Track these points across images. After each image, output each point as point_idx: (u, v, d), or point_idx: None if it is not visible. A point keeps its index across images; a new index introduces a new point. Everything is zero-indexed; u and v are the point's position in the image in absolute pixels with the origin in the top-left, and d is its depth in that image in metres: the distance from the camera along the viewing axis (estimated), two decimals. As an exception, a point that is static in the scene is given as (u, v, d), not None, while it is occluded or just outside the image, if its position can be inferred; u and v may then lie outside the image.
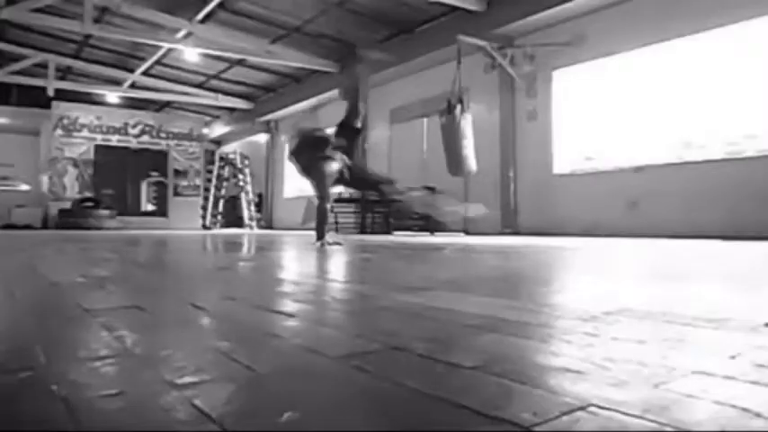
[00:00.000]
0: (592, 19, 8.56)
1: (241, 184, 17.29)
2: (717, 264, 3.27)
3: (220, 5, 10.75)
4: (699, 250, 4.48)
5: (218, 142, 19.94)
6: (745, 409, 0.61)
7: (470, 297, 1.59)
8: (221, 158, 17.76)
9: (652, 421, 0.57)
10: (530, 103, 9.52)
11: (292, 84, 15.33)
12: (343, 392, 0.72)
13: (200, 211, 17.29)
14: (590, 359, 0.83)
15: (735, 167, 6.97)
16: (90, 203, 15.16)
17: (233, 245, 6.00)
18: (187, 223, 16.65)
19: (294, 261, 3.62)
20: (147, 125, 16.92)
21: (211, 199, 17.38)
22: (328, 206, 5.28)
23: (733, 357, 0.85)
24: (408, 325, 1.16)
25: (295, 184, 16.70)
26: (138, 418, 0.61)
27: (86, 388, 0.71)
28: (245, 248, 5.29)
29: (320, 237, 5.00)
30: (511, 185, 9.55)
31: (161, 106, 18.77)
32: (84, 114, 15.92)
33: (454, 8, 9.80)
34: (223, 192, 17.67)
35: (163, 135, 17.12)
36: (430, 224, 10.34)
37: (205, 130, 18.62)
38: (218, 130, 19.46)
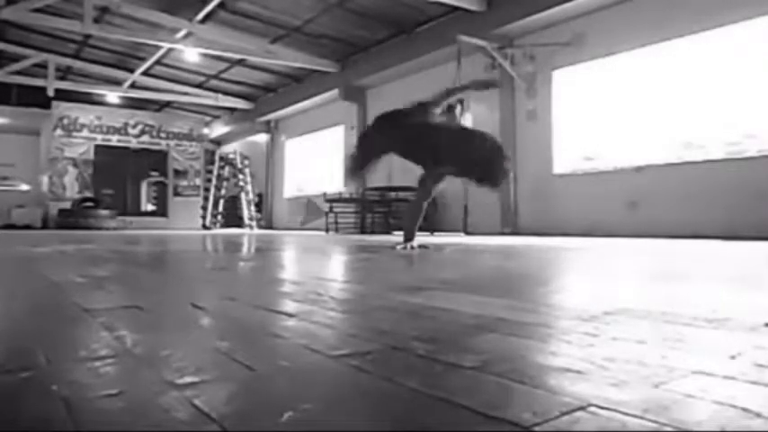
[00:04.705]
0: (592, 19, 8.57)
1: (241, 184, 17.30)
2: (716, 264, 3.27)
3: (220, 5, 10.76)
4: (698, 250, 4.47)
5: (218, 142, 19.95)
6: (745, 409, 0.61)
7: (470, 297, 1.59)
8: (221, 158, 17.77)
9: (652, 421, 0.57)
10: (530, 103, 9.52)
11: (292, 84, 15.34)
12: (343, 392, 0.72)
13: (201, 211, 17.30)
14: (590, 359, 0.83)
15: (735, 167, 6.97)
16: (90, 203, 15.17)
17: (233, 245, 6.00)
18: (187, 223, 16.65)
19: (294, 261, 3.62)
20: (147, 125, 16.92)
21: (211, 199, 17.39)
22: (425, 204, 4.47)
23: (733, 357, 0.85)
24: (408, 325, 1.16)
25: (295, 184, 16.74)
26: (138, 418, 0.61)
27: (86, 388, 0.71)
28: (245, 248, 5.29)
29: (409, 238, 4.38)
30: (511, 185, 9.55)
31: (161, 106, 18.77)
32: (84, 114, 15.93)
33: (454, 8, 9.80)
34: (223, 192, 17.68)
35: (163, 135, 17.13)
36: (430, 224, 10.34)
37: (205, 130, 18.63)
38: (218, 130, 19.47)
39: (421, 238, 4.88)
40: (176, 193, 17.37)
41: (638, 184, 7.90)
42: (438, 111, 4.51)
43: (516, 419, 0.58)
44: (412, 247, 4.24)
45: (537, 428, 0.56)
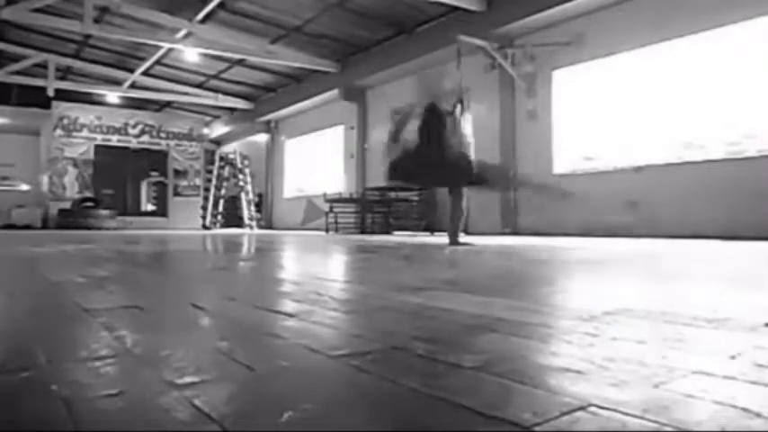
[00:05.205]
0: (592, 19, 8.56)
1: (241, 184, 17.29)
2: (716, 264, 3.27)
3: (220, 5, 10.75)
4: (698, 250, 4.47)
5: (218, 142, 19.95)
6: (745, 409, 0.61)
7: (470, 297, 1.59)
8: (221, 158, 17.77)
9: (652, 421, 0.57)
10: (530, 103, 9.52)
11: (292, 84, 15.34)
12: (343, 392, 0.72)
13: (201, 211, 17.29)
14: (590, 359, 0.83)
15: (735, 167, 6.97)
16: (90, 203, 15.17)
17: (233, 245, 6.00)
18: (187, 223, 16.65)
19: (294, 261, 3.62)
20: (147, 125, 16.93)
21: (211, 199, 17.38)
22: (464, 204, 4.88)
23: (733, 357, 0.85)
24: (408, 325, 1.16)
25: (295, 184, 16.74)
26: (138, 418, 0.61)
27: (86, 388, 0.71)
28: (245, 248, 5.29)
29: (454, 241, 4.79)
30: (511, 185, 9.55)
31: (161, 106, 18.77)
32: (84, 114, 15.94)
33: (454, 8, 9.80)
34: (223, 192, 17.67)
35: (163, 135, 17.13)
36: (429, 224, 10.35)
37: (205, 130, 18.63)
38: (218, 130, 19.47)
39: (467, 238, 5.26)
40: (176, 193, 17.37)
41: (638, 184, 7.89)
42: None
43: (516, 419, 0.58)
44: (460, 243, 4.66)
45: (537, 428, 0.56)
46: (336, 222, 11.47)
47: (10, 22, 11.91)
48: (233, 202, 17.74)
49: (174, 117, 18.19)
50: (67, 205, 15.00)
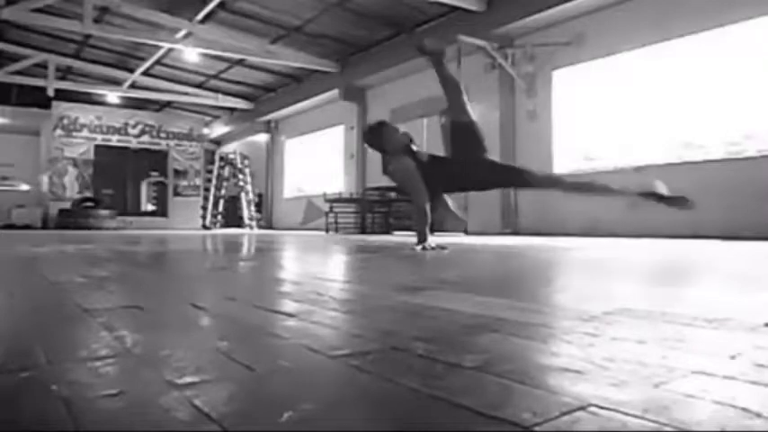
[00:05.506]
0: (592, 19, 8.57)
1: (241, 184, 17.30)
2: (716, 264, 3.27)
3: (220, 5, 10.76)
4: (698, 250, 4.47)
5: (218, 142, 19.96)
6: (745, 409, 0.61)
7: (471, 297, 1.59)
8: (221, 158, 17.78)
9: (652, 421, 0.57)
10: (530, 103, 9.53)
11: (292, 84, 15.34)
12: (343, 392, 0.72)
13: (201, 211, 17.30)
14: (590, 359, 0.83)
15: (735, 167, 6.97)
16: (90, 203, 15.18)
17: (233, 245, 6.00)
18: (187, 223, 16.66)
19: (294, 261, 3.62)
20: (147, 125, 16.94)
21: (211, 199, 17.39)
22: (426, 206, 4.69)
23: (733, 357, 0.85)
24: (408, 325, 1.16)
25: (295, 184, 16.75)
26: (138, 418, 0.61)
27: (86, 388, 0.71)
28: (245, 248, 5.29)
29: (421, 240, 4.46)
30: (511, 185, 9.54)
31: (161, 106, 18.78)
32: (84, 114, 15.95)
33: (454, 8, 9.80)
34: (223, 192, 17.68)
35: (163, 135, 17.14)
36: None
37: (205, 130, 18.64)
38: (218, 130, 19.47)
39: (438, 239, 4.98)
40: (176, 193, 17.38)
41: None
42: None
43: (516, 419, 0.58)
44: (424, 248, 4.26)
45: (537, 428, 0.56)
46: (336, 222, 11.48)
47: (10, 22, 11.92)
48: (233, 202, 17.75)
49: (174, 117, 18.20)
50: (67, 205, 15.01)
